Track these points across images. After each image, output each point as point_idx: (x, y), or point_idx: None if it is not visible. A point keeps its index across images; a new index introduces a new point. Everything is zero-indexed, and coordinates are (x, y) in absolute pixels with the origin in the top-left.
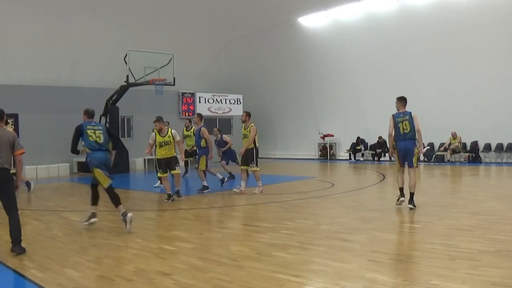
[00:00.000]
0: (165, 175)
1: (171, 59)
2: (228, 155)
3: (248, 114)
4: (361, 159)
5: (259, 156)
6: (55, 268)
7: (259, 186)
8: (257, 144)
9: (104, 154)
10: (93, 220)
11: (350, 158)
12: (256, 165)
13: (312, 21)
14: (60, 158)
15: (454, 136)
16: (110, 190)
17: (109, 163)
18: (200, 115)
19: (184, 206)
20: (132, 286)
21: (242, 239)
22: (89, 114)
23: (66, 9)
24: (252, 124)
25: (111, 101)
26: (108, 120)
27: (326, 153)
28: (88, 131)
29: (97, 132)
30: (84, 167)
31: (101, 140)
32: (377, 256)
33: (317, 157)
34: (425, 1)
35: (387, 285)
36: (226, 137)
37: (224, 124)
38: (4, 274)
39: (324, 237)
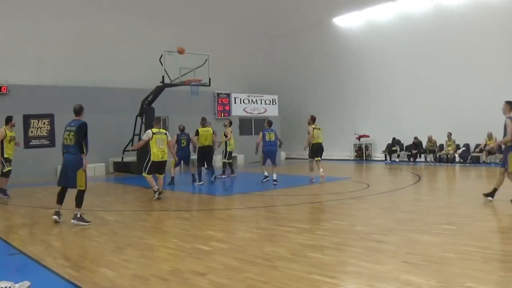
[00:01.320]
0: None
1: (206, 59)
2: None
3: (311, 118)
4: (397, 160)
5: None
6: (90, 267)
7: (320, 175)
8: (311, 142)
9: (68, 157)
10: (55, 217)
11: (385, 159)
12: (309, 156)
13: (346, 21)
14: (96, 158)
15: (489, 136)
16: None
17: (75, 165)
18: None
19: (219, 206)
20: (167, 286)
21: (277, 240)
22: (73, 111)
23: (101, 10)
24: (309, 125)
25: (146, 102)
26: (144, 120)
27: (362, 154)
28: (65, 132)
29: (71, 133)
30: (120, 167)
31: (72, 142)
32: (412, 257)
33: (352, 158)
34: (459, 1)
35: (421, 287)
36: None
37: (259, 124)
38: (39, 273)
39: (359, 238)
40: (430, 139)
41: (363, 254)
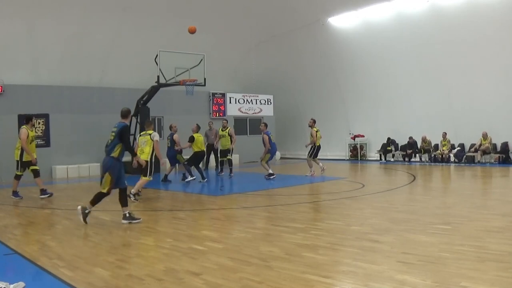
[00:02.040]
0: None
1: (201, 59)
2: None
3: (313, 121)
4: (392, 159)
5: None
6: (85, 267)
7: (310, 171)
8: (317, 144)
9: (105, 159)
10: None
11: (380, 159)
12: (309, 156)
13: (342, 21)
14: (91, 158)
15: (484, 136)
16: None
17: (105, 166)
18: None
19: (214, 206)
20: (162, 286)
21: (272, 240)
22: (120, 113)
23: (96, 9)
24: (312, 128)
25: (142, 102)
26: (139, 120)
27: (357, 153)
28: (110, 133)
29: (112, 134)
30: None
31: (109, 142)
32: (407, 257)
33: (347, 158)
34: (456, 1)
35: (417, 286)
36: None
37: (254, 124)
38: (34, 273)
39: (354, 238)
40: (424, 140)
41: (358, 254)
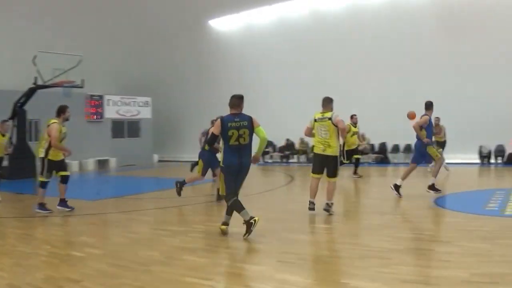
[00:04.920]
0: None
1: (80, 60)
2: None
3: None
4: (270, 161)
5: None
6: None
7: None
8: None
9: None
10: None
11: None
12: None
13: (223, 24)
14: None
15: (363, 137)
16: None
17: None
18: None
19: (92, 211)
20: None
21: (151, 244)
22: None
23: None
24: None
25: (19, 104)
26: (16, 123)
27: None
28: None
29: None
30: None
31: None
32: (288, 257)
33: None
34: (336, 6)
35: (298, 285)
36: None
37: (132, 127)
38: None
39: (233, 239)
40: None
41: (238, 255)
